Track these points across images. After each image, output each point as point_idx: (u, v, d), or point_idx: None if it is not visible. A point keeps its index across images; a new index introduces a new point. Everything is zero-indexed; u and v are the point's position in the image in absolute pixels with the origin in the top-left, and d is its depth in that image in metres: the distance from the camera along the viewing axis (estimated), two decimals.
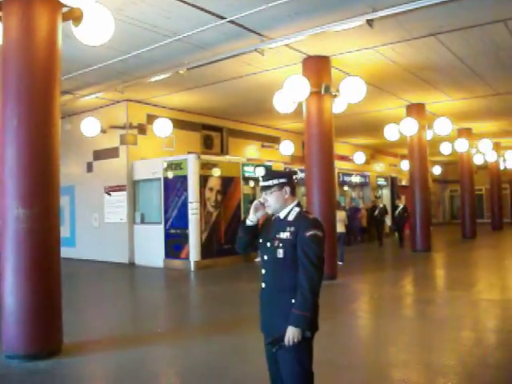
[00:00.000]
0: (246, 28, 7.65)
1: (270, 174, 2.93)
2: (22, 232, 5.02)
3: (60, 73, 5.45)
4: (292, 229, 2.77)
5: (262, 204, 2.91)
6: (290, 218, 2.83)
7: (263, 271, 2.88)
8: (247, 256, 12.20)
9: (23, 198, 5.04)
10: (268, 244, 2.85)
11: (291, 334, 2.64)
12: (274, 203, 2.87)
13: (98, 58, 8.96)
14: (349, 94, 8.98)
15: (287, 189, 2.87)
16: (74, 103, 11.88)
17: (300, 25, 7.52)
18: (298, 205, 2.90)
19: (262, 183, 2.92)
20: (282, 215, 2.87)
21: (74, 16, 5.46)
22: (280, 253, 2.76)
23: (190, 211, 11.52)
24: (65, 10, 5.44)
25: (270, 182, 2.87)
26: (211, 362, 4.94)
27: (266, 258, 2.86)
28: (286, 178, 2.89)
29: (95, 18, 5.42)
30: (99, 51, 7.92)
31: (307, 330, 2.69)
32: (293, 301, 2.68)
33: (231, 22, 7.37)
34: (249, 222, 2.95)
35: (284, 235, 2.77)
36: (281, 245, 2.76)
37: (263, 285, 2.87)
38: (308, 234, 2.71)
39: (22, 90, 5.13)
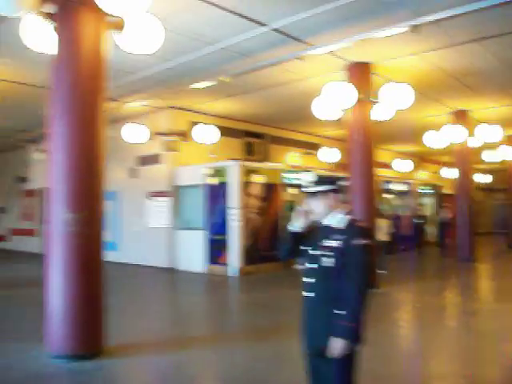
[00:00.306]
0: (288, 35, 7.68)
1: (315, 179, 2.86)
2: (68, 235, 5.18)
3: (105, 81, 5.61)
4: (342, 237, 2.68)
5: (305, 211, 2.84)
6: (340, 225, 2.74)
7: (309, 279, 2.79)
8: (288, 262, 12.16)
9: (71, 203, 5.20)
10: (315, 252, 2.76)
11: (338, 345, 2.58)
12: (318, 210, 2.81)
13: (144, 66, 9.15)
14: (394, 101, 8.86)
15: (334, 195, 2.80)
16: (119, 110, 12.12)
17: (343, 31, 7.50)
18: (349, 212, 2.82)
19: (306, 189, 2.86)
20: (328, 222, 2.79)
21: (118, 26, 5.62)
22: (330, 262, 2.68)
23: (231, 217, 11.59)
24: (110, 19, 5.60)
25: (314, 188, 2.82)
26: (251, 368, 4.95)
27: (313, 266, 2.77)
28: (331, 185, 2.82)
29: (141, 27, 5.56)
30: (144, 59, 8.08)
31: (354, 342, 2.62)
32: (338, 311, 2.60)
33: (274, 29, 7.42)
34: (292, 229, 2.87)
35: (334, 243, 2.69)
36: (331, 253, 2.68)
37: (309, 294, 2.79)
38: (358, 243, 2.64)
39: (69, 98, 5.30)
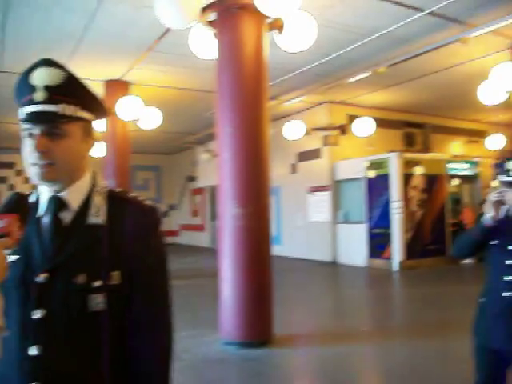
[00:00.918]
0: (447, 18, 7.33)
1: None
2: (238, 229, 5.50)
3: (267, 81, 5.84)
4: None
5: (499, 201, 2.54)
6: None
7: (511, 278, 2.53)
8: (453, 258, 11.63)
9: (239, 198, 5.51)
10: None
11: None
12: None
13: (300, 63, 9.31)
14: None
15: None
16: (278, 108, 12.47)
17: (506, 8, 6.98)
18: None
19: (507, 178, 2.57)
20: None
21: (277, 26, 5.81)
22: None
23: (393, 210, 11.37)
24: (268, 20, 5.82)
25: None
26: (413, 364, 4.86)
27: None
28: None
29: (298, 25, 5.70)
30: (300, 56, 8.22)
31: None
32: None
33: (431, 13, 7.12)
34: (486, 222, 2.56)
35: None
36: None
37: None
38: None
39: (235, 98, 5.61)
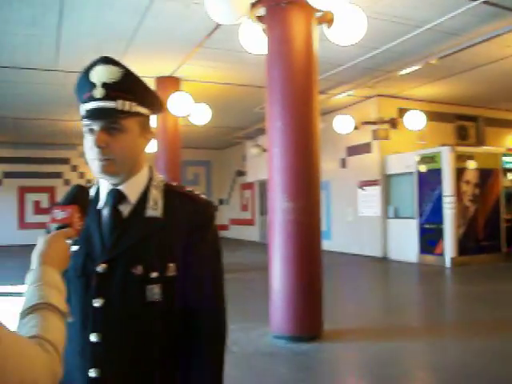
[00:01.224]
0: (501, 7, 7.11)
1: None
2: (288, 224, 5.52)
3: (317, 75, 5.82)
4: None
5: None
6: None
7: None
8: (508, 255, 11.34)
9: (290, 193, 5.53)
10: None
11: None
12: None
13: (349, 57, 9.23)
14: None
15: None
16: (327, 102, 12.41)
17: None
18: None
19: None
20: None
21: (327, 19, 5.79)
22: None
23: (445, 205, 11.14)
24: (318, 14, 5.80)
25: None
26: (466, 362, 4.77)
27: None
28: None
29: (348, 18, 5.66)
30: (349, 50, 8.16)
31: None
32: None
33: (485, 2, 6.92)
34: None
35: None
36: None
37: None
38: None
39: (284, 93, 5.62)
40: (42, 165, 18.94)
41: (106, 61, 1.37)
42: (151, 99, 1.46)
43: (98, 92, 1.34)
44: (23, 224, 18.67)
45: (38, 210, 18.58)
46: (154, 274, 1.36)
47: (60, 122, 14.26)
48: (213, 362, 1.45)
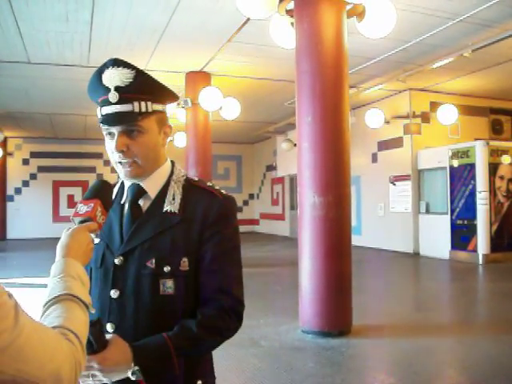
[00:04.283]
0: None
1: None
2: (317, 219, 5.50)
3: (347, 69, 5.77)
4: None
5: None
6: None
7: None
8: None
9: (318, 187, 5.51)
10: None
11: None
12: None
13: (380, 50, 9.13)
14: None
15: None
16: (358, 96, 12.30)
17: None
18: None
19: None
20: None
21: (358, 12, 5.74)
22: None
23: (478, 201, 10.94)
24: (348, 7, 5.75)
25: None
26: (497, 361, 4.69)
27: None
28: None
29: (378, 10, 5.60)
30: (380, 43, 8.07)
31: None
32: None
33: None
34: None
35: None
36: None
37: None
38: None
39: (314, 88, 5.59)
40: (75, 159, 19.33)
41: (117, 63, 1.37)
42: (165, 94, 1.47)
43: (112, 96, 1.35)
44: (57, 217, 19.04)
45: (72, 203, 18.90)
46: (168, 268, 1.38)
47: (92, 118, 14.46)
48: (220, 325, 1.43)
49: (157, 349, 1.31)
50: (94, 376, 1.22)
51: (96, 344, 1.21)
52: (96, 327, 1.20)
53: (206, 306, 1.42)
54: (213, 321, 1.40)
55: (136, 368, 1.25)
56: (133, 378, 1.26)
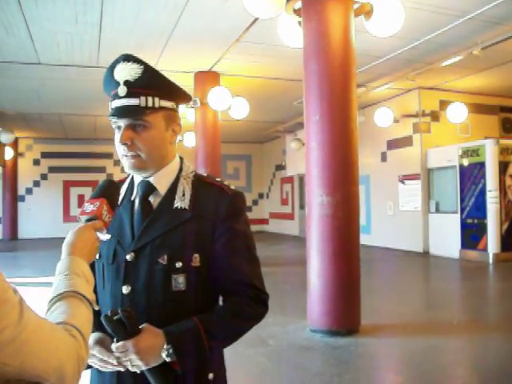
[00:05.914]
0: None
1: None
2: (325, 218, 5.50)
3: (355, 68, 5.77)
4: None
5: None
6: None
7: None
8: None
9: (326, 187, 5.51)
10: None
11: None
12: None
13: (388, 49, 9.10)
14: None
15: None
16: (367, 95, 12.27)
17: None
18: None
19: None
20: None
21: (365, 10, 5.73)
22: None
23: (488, 200, 10.88)
24: (356, 6, 5.74)
25: None
26: (508, 360, 4.67)
27: None
28: None
29: (386, 9, 5.59)
30: (389, 41, 8.03)
31: None
32: None
33: None
34: None
35: None
36: None
37: None
38: None
39: (322, 87, 5.59)
40: (85, 159, 19.46)
41: (127, 59, 1.41)
42: (174, 91, 1.49)
43: (121, 90, 1.39)
44: (68, 217, 19.17)
45: (82, 203, 18.92)
46: (179, 264, 1.40)
47: (102, 118, 14.54)
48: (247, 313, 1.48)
49: (188, 330, 1.35)
50: (131, 361, 1.27)
51: (130, 328, 1.25)
52: (130, 312, 1.25)
53: (231, 295, 1.47)
54: (241, 307, 1.44)
55: (169, 347, 1.29)
56: (167, 360, 1.29)
